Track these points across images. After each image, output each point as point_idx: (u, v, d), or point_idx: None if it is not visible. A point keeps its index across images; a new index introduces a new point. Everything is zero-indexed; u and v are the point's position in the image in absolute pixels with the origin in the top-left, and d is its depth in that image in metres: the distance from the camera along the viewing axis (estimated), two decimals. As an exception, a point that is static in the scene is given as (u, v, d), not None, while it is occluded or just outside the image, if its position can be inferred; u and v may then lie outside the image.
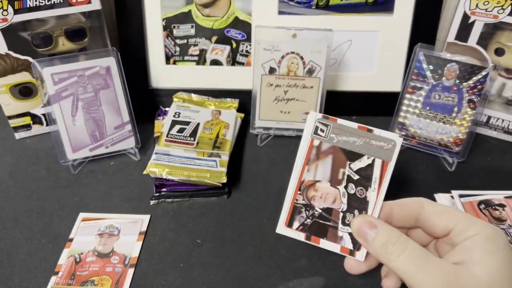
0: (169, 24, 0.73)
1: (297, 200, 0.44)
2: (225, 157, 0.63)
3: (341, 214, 0.43)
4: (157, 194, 0.61)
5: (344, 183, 0.43)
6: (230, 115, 0.70)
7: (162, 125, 0.69)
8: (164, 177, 0.59)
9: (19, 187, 0.63)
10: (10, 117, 0.70)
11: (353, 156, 0.43)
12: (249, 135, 0.73)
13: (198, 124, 0.68)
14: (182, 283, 0.50)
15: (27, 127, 0.72)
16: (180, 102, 0.72)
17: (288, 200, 0.44)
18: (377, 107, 0.74)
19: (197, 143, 0.64)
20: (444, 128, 0.65)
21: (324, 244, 0.43)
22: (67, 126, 0.63)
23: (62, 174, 0.65)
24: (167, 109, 0.74)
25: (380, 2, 0.71)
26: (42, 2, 0.63)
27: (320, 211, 0.44)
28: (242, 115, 0.74)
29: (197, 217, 0.58)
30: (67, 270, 0.51)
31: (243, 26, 0.72)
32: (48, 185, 0.64)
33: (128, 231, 0.56)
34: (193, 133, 0.66)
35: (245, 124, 0.74)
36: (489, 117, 0.72)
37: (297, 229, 0.44)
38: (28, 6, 0.63)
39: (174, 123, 0.67)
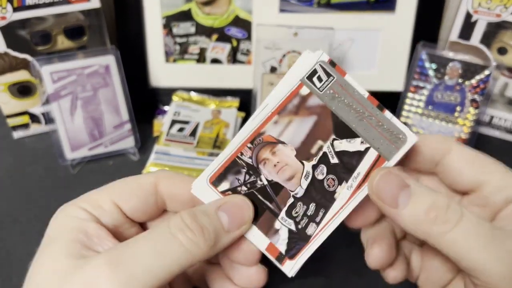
0: (169, 23, 0.72)
1: (241, 154, 0.31)
2: (225, 157, 0.62)
3: (290, 200, 0.31)
4: (157, 194, 0.60)
5: (314, 161, 0.31)
6: (231, 114, 0.70)
7: (161, 124, 0.68)
8: (163, 177, 0.58)
9: (18, 187, 0.63)
10: (8, 116, 0.70)
11: (344, 131, 0.31)
12: (250, 134, 0.72)
13: (198, 123, 0.67)
14: (181, 284, 0.49)
15: (25, 126, 0.71)
16: (180, 101, 0.72)
17: (229, 149, 0.31)
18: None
19: (197, 143, 0.64)
20: (446, 128, 0.65)
21: (250, 231, 0.31)
22: (66, 125, 0.62)
23: (61, 174, 0.65)
24: (166, 108, 0.74)
25: (382, 0, 0.70)
26: (41, 0, 0.62)
27: (266, 183, 0.31)
28: (243, 114, 0.73)
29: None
30: (65, 271, 0.51)
31: (244, 24, 0.72)
32: (47, 184, 0.63)
33: (127, 232, 0.56)
34: (193, 133, 0.65)
35: (246, 124, 0.73)
36: (492, 117, 0.72)
37: (222, 192, 0.31)
38: (27, 4, 0.62)
39: (174, 122, 0.67)
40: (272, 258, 0.31)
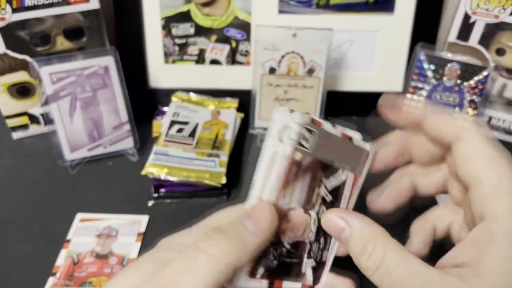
0: (168, 23, 0.72)
1: None
2: (225, 158, 0.62)
3: (307, 247, 0.34)
4: (156, 195, 0.60)
5: (317, 207, 0.33)
6: (230, 115, 0.70)
7: (161, 125, 0.68)
8: (162, 178, 0.58)
9: (17, 188, 0.63)
10: (7, 117, 0.70)
11: (328, 171, 0.33)
12: (249, 135, 0.72)
13: (197, 124, 0.67)
14: (180, 285, 0.50)
15: (24, 127, 0.71)
16: (179, 102, 0.72)
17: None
18: (377, 108, 0.74)
19: (196, 143, 0.64)
20: (445, 129, 0.65)
21: (287, 286, 0.34)
22: (65, 126, 0.62)
23: (60, 175, 0.65)
24: (166, 109, 0.74)
25: (381, 1, 0.70)
26: (40, 1, 0.63)
27: (289, 247, 0.33)
28: (242, 115, 0.73)
29: (196, 218, 0.58)
30: (64, 271, 0.51)
31: (243, 25, 0.72)
32: (46, 185, 0.63)
33: (126, 232, 0.56)
34: (192, 133, 0.65)
35: (245, 124, 0.73)
36: (491, 118, 0.72)
37: (261, 277, 0.32)
38: (26, 5, 0.62)
39: (173, 123, 0.67)
40: None
